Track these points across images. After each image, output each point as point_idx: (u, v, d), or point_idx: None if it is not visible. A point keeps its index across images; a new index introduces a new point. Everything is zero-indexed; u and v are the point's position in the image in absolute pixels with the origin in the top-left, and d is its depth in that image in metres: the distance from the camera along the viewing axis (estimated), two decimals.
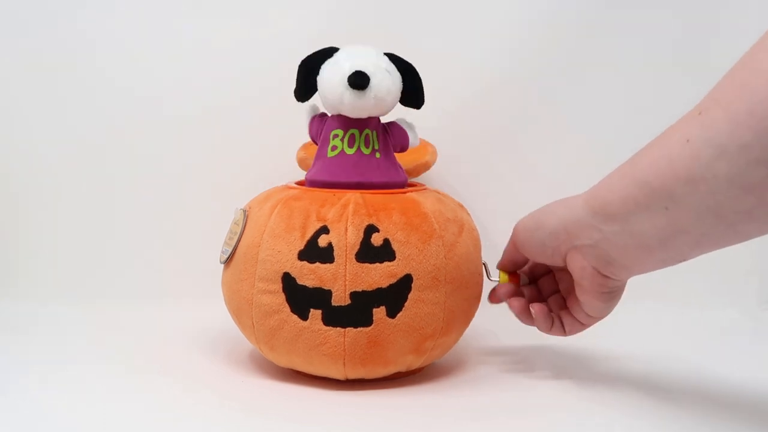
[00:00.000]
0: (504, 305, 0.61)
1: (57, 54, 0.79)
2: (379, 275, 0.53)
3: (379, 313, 0.53)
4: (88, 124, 0.80)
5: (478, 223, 0.63)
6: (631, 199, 0.47)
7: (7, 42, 0.79)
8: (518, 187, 0.81)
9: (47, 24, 0.79)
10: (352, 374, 0.55)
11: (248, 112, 0.80)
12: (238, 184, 0.74)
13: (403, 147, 0.62)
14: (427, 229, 0.55)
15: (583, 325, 0.58)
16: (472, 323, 0.60)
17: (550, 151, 0.81)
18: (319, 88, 0.58)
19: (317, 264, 0.53)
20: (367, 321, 0.53)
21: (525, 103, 0.81)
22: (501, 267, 0.61)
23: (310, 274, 0.53)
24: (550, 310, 0.59)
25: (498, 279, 0.61)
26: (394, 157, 0.61)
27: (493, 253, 0.62)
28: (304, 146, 0.73)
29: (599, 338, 0.68)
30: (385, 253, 0.53)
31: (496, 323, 0.70)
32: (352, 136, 0.59)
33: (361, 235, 0.53)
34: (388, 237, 0.54)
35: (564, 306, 0.58)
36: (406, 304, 0.53)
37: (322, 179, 0.59)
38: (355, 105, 0.57)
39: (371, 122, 0.59)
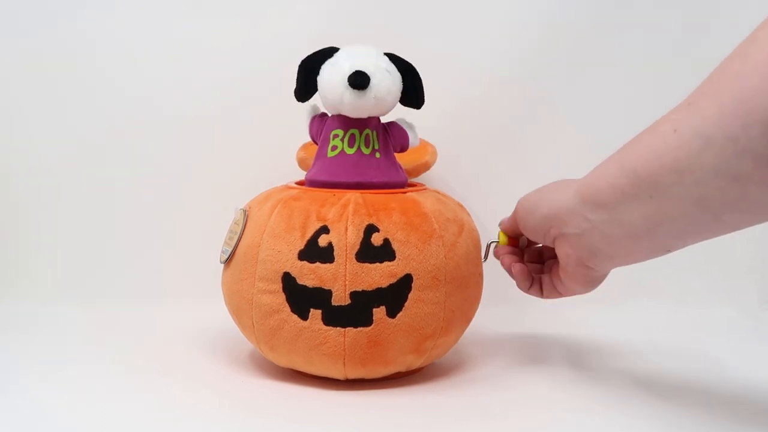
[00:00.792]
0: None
1: (57, 54, 0.79)
2: (379, 275, 0.53)
3: (379, 312, 0.53)
4: (88, 124, 0.80)
5: (478, 223, 0.63)
6: (618, 188, 0.47)
7: (7, 42, 0.79)
8: (518, 187, 0.80)
9: (47, 24, 0.79)
10: (352, 374, 0.55)
11: (248, 112, 0.80)
12: (238, 184, 0.74)
13: (403, 147, 0.62)
14: (427, 229, 0.55)
15: (560, 295, 0.59)
16: (472, 323, 0.60)
17: (550, 151, 0.81)
18: (319, 88, 0.58)
19: (317, 264, 0.53)
20: (367, 321, 0.53)
21: (525, 103, 0.81)
22: (503, 229, 0.62)
23: (310, 274, 0.53)
24: (542, 272, 0.60)
25: (497, 240, 0.62)
26: (394, 157, 0.61)
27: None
28: (304, 146, 0.73)
29: (599, 337, 0.69)
30: (385, 252, 0.53)
31: (497, 323, 0.70)
32: (353, 136, 0.59)
33: (361, 234, 0.53)
34: (388, 237, 0.54)
35: (550, 270, 0.60)
36: (406, 303, 0.53)
37: (322, 179, 0.59)
38: (355, 105, 0.57)
39: (371, 122, 0.59)
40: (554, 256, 0.60)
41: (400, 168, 0.61)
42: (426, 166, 0.71)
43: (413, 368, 0.58)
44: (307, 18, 0.78)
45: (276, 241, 0.54)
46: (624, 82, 0.81)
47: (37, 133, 0.80)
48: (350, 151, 0.58)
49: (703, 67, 0.46)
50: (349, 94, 0.56)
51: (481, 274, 0.60)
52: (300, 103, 0.61)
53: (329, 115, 0.60)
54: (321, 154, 0.60)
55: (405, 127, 0.62)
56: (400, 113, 0.61)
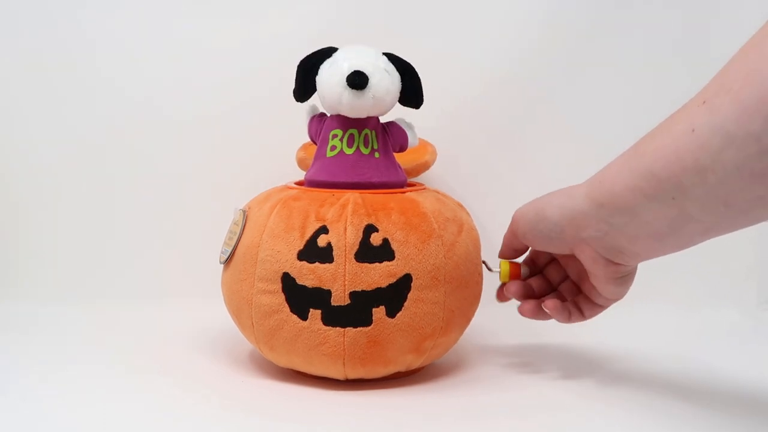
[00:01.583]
0: (506, 305, 0.61)
1: (57, 54, 0.79)
2: (378, 275, 0.53)
3: (379, 312, 0.53)
4: (87, 124, 0.80)
5: (478, 223, 0.63)
6: (638, 190, 0.46)
7: (7, 42, 0.79)
8: (518, 187, 0.80)
9: (47, 24, 0.79)
10: (352, 374, 0.55)
11: (248, 112, 0.80)
12: (238, 184, 0.74)
13: (402, 147, 0.62)
14: (426, 228, 0.55)
15: (602, 307, 0.57)
16: (472, 323, 0.60)
17: (550, 150, 0.81)
18: (318, 88, 0.58)
19: (317, 264, 0.53)
20: (366, 321, 0.53)
21: (524, 103, 0.81)
22: (502, 255, 0.61)
23: (309, 274, 0.53)
24: (564, 299, 0.58)
25: (499, 269, 0.61)
26: (393, 156, 0.61)
27: (492, 253, 0.62)
28: (304, 146, 0.73)
29: (599, 338, 0.68)
30: (385, 252, 0.53)
31: (496, 323, 0.70)
32: (351, 136, 0.59)
33: (361, 234, 0.53)
34: (387, 237, 0.54)
35: (578, 292, 0.58)
36: (405, 303, 0.53)
37: (321, 179, 0.59)
38: (353, 105, 0.57)
39: (370, 122, 0.59)
40: (566, 277, 0.59)
41: (399, 168, 0.61)
42: (425, 166, 0.71)
43: (413, 368, 0.58)
44: (307, 18, 0.78)
45: (275, 241, 0.54)
46: (624, 82, 0.81)
47: (37, 133, 0.80)
48: (349, 151, 0.58)
49: (703, 67, 0.46)
50: (347, 94, 0.56)
51: (480, 274, 0.60)
52: (299, 103, 0.61)
53: (328, 115, 0.60)
54: (320, 154, 0.60)
55: (404, 127, 0.62)
56: (399, 113, 0.61)
